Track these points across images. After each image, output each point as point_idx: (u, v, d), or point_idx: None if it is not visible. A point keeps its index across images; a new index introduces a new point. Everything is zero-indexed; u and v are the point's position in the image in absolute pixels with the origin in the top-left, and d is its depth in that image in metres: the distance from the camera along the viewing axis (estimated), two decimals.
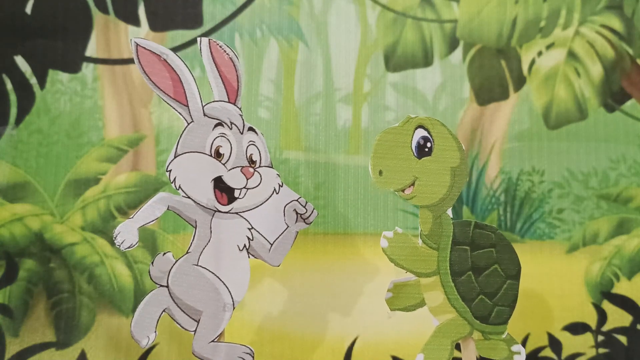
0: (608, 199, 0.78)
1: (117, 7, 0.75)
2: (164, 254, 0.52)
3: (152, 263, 0.51)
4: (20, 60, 0.73)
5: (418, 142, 0.52)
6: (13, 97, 0.72)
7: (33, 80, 0.73)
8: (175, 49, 0.74)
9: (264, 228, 0.51)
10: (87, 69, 0.74)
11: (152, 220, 0.48)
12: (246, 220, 0.50)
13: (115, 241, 0.46)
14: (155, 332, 0.49)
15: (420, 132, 0.52)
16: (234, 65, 0.53)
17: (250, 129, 0.52)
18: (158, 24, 0.75)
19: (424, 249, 0.54)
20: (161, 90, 0.49)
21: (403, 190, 0.52)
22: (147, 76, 0.49)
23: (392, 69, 0.78)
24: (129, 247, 0.46)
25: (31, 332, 0.69)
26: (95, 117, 0.73)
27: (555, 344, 0.74)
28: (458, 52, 0.79)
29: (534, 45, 0.80)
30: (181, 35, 0.75)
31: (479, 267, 0.55)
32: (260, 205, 0.51)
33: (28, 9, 0.73)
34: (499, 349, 0.56)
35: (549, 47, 0.80)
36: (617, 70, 0.81)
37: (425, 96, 0.78)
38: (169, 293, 0.48)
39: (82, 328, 0.70)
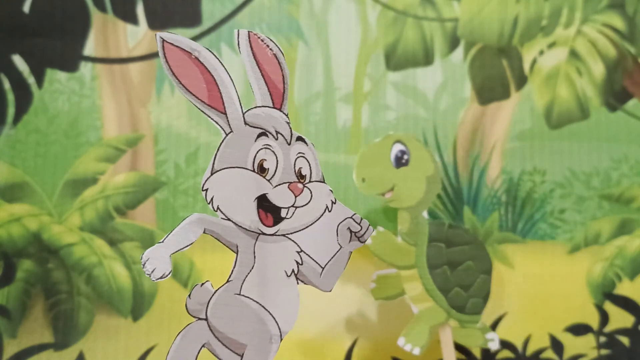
0: (610, 199, 0.78)
1: (115, 6, 0.74)
2: (202, 284, 0.45)
3: (190, 296, 0.44)
4: (18, 59, 0.72)
5: (396, 155, 0.61)
6: (11, 97, 0.72)
7: (31, 80, 0.72)
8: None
9: (314, 250, 0.45)
10: (86, 68, 0.73)
11: (187, 246, 0.41)
12: (294, 242, 0.44)
13: (144, 269, 0.39)
14: None
15: (398, 147, 0.61)
16: (279, 63, 0.44)
17: (299, 138, 0.44)
18: (156, 23, 0.75)
19: (404, 245, 0.62)
20: (193, 95, 0.41)
21: (383, 195, 0.61)
22: (176, 78, 0.41)
23: (392, 68, 0.77)
24: (160, 278, 0.40)
25: (29, 333, 0.68)
26: (94, 117, 0.72)
27: (556, 345, 0.74)
28: (459, 51, 0.78)
29: (536, 45, 0.80)
30: (180, 34, 0.74)
31: (454, 262, 0.63)
32: (311, 225, 0.44)
33: (26, 8, 0.73)
34: (474, 336, 0.64)
35: (550, 46, 0.80)
36: (619, 69, 0.80)
37: (426, 95, 0.77)
38: (209, 326, 0.42)
39: (81, 329, 0.69)
